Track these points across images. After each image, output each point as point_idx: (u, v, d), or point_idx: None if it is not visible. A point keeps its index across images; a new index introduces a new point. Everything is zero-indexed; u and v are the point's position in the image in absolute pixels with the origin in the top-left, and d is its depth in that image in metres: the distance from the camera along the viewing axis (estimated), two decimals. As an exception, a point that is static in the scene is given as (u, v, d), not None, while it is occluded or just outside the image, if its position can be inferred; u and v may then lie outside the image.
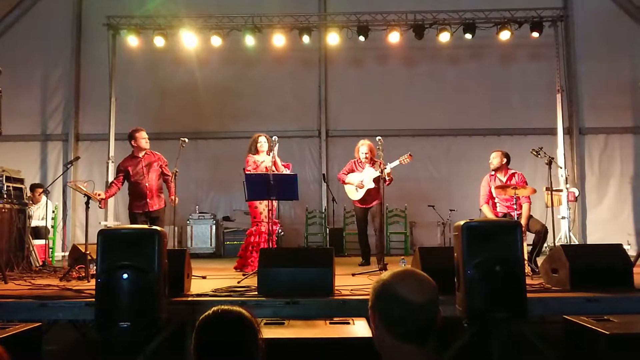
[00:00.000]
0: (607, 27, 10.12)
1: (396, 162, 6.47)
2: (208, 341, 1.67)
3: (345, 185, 6.94)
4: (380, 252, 6.32)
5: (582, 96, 10.25)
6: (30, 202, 7.46)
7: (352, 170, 6.93)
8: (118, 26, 9.42)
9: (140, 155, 6.29)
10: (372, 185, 6.64)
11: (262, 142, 6.41)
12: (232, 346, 1.65)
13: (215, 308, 1.73)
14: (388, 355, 1.58)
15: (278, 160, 6.06)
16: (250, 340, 1.68)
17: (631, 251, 8.40)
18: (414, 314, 1.54)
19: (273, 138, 5.95)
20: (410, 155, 6.47)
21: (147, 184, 6.18)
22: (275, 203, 6.21)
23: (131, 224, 6.14)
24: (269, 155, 6.33)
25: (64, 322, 4.43)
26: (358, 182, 6.75)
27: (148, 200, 6.17)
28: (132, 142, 6.31)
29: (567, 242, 8.30)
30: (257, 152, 6.42)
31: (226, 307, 1.73)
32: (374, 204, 6.74)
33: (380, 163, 6.20)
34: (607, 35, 10.09)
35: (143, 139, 6.31)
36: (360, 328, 3.35)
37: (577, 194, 9.41)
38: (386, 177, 6.21)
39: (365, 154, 6.79)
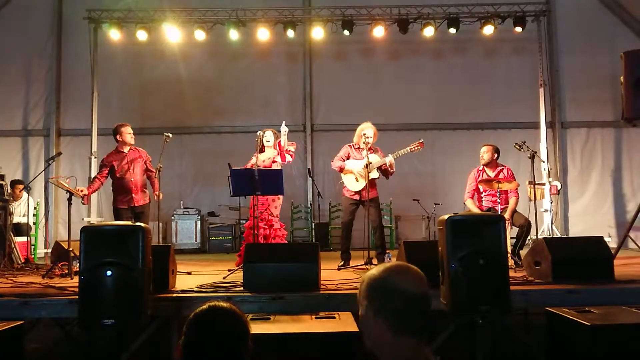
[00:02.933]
0: (588, 22, 10.23)
1: (406, 150, 5.90)
2: (200, 336, 1.63)
3: (344, 175, 6.02)
4: (382, 248, 5.93)
5: (564, 90, 10.37)
6: (11, 198, 7.34)
7: (349, 157, 6.04)
8: (99, 20, 9.27)
9: (125, 150, 6.22)
10: (377, 174, 5.86)
11: (268, 137, 6.11)
12: (223, 343, 1.64)
13: (210, 303, 1.70)
14: (387, 352, 1.57)
15: (285, 143, 5.93)
16: (242, 338, 1.66)
17: (612, 243, 8.54)
18: (414, 306, 1.55)
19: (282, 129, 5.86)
20: (421, 142, 5.94)
21: (132, 179, 6.12)
22: (276, 201, 6.05)
23: (116, 219, 6.09)
24: (276, 149, 6.08)
25: (47, 320, 4.38)
26: (359, 170, 5.86)
27: (133, 195, 6.11)
28: (117, 137, 6.23)
29: (549, 235, 8.39)
30: (262, 149, 6.06)
31: (220, 304, 1.70)
32: (371, 196, 5.84)
33: (380, 152, 5.96)
34: (589, 30, 10.20)
35: (128, 134, 6.24)
36: (345, 322, 3.36)
37: (559, 187, 9.51)
38: (389, 167, 5.82)
39: (369, 138, 5.88)
